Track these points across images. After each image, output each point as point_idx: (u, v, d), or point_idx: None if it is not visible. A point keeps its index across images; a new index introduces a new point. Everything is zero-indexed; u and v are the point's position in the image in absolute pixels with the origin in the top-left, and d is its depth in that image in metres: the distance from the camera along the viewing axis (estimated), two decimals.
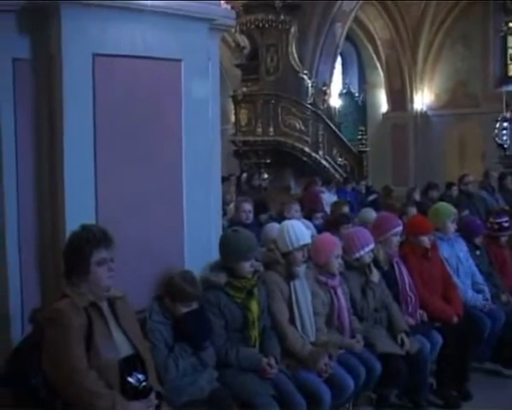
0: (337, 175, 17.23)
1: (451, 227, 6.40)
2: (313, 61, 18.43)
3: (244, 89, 18.46)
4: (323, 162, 17.51)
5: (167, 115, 4.76)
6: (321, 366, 4.65)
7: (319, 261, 5.17)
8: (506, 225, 6.93)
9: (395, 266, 5.80)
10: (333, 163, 17.76)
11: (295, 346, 4.74)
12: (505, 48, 19.43)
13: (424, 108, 21.92)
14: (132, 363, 3.55)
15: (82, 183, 4.21)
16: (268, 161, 17.57)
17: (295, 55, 18.03)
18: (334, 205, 8.82)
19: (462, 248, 6.48)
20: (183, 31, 4.70)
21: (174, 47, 4.74)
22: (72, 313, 3.40)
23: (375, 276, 5.47)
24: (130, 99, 4.49)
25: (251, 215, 7.63)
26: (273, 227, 6.06)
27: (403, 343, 5.33)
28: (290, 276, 4.86)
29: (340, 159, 17.98)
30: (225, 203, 8.82)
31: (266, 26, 17.85)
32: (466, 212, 9.53)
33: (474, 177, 11.01)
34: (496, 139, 14.98)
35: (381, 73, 22.45)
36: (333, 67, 19.10)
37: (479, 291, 6.35)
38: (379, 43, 21.78)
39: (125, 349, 3.57)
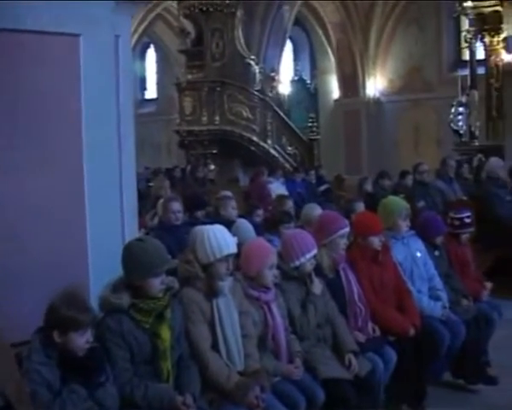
0: (287, 165, 16.63)
1: (403, 225, 5.58)
2: (260, 47, 17.85)
3: (189, 76, 17.74)
4: (272, 152, 16.97)
5: (64, 101, 4.09)
6: (251, 401, 3.81)
7: (250, 272, 4.33)
8: (468, 221, 6.15)
9: (341, 273, 4.99)
10: (282, 152, 17.26)
11: (219, 377, 3.89)
12: (458, 31, 18.87)
13: (377, 94, 21.36)
14: None
15: None
16: (214, 151, 16.99)
17: (242, 40, 17.38)
18: (277, 200, 7.94)
19: (418, 248, 5.66)
20: (82, 1, 4.03)
21: (70, 20, 4.03)
22: None
23: (317, 287, 4.65)
24: (16, 81, 3.85)
25: (180, 215, 6.78)
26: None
27: (351, 365, 4.53)
28: (212, 292, 4.00)
29: (289, 148, 17.48)
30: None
31: (211, 9, 17.15)
32: (422, 203, 8.89)
33: (430, 165, 10.26)
34: (451, 125, 14.33)
35: (332, 59, 21.81)
36: (281, 53, 18.52)
37: (437, 298, 5.56)
38: (329, 27, 21.13)
39: None
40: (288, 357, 4.35)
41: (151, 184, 12.82)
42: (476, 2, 13.75)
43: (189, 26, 18.56)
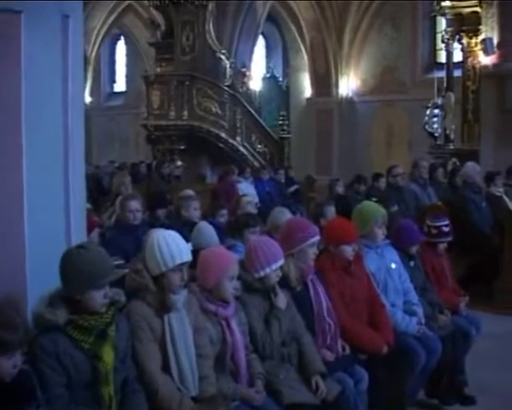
0: (256, 163, 16.24)
1: (379, 233, 5.15)
2: (232, 41, 17.41)
3: (158, 69, 17.31)
4: (241, 149, 16.60)
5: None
6: None
7: (207, 284, 3.87)
8: (446, 229, 5.74)
9: (309, 285, 4.54)
10: (251, 150, 16.91)
11: (170, 403, 3.42)
12: (434, 32, 18.56)
13: (350, 94, 20.95)
14: None
15: None
16: (182, 147, 16.59)
17: (213, 34, 16.94)
18: (235, 201, 7.37)
19: (393, 258, 5.23)
20: None
21: None
22: None
23: (282, 300, 4.19)
24: None
25: (139, 215, 6.31)
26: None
27: (318, 388, 4.09)
28: (164, 307, 3.53)
29: (259, 146, 17.13)
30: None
31: (182, 1, 16.65)
32: (395, 208, 8.50)
33: (402, 167, 9.90)
34: (426, 127, 13.98)
35: (305, 56, 21.39)
36: (253, 48, 18.11)
37: (412, 313, 5.13)
38: (303, 24, 20.66)
39: None
40: (249, 379, 3.90)
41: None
42: (455, 2, 13.42)
43: (159, 18, 18.11)
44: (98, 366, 3.19)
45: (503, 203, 9.29)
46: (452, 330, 5.38)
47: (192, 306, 3.71)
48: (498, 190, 9.41)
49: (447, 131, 14.02)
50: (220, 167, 15.59)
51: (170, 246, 3.55)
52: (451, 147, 14.00)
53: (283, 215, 5.53)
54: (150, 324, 3.51)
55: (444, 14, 13.90)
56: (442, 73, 15.35)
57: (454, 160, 13.33)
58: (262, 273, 4.14)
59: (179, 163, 16.16)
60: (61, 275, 3.23)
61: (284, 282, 4.33)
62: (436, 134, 14.02)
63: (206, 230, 5.44)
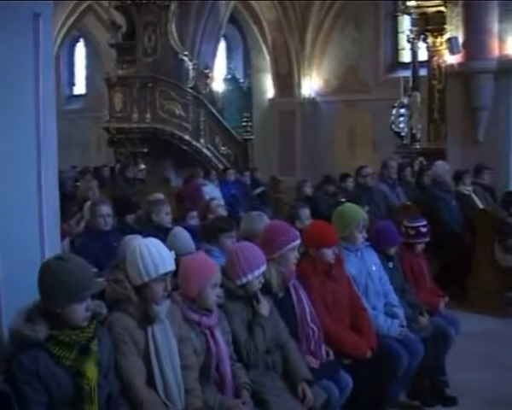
0: (220, 165, 16.12)
1: (360, 237, 5.06)
2: (195, 42, 17.26)
3: (119, 71, 17.06)
4: (205, 151, 16.48)
5: None
6: None
7: (189, 293, 3.73)
8: (424, 230, 5.69)
9: (292, 290, 4.43)
10: (215, 152, 16.80)
11: None
12: (396, 32, 18.61)
13: (312, 94, 20.90)
14: None
15: None
16: (145, 150, 16.40)
17: (175, 35, 16.73)
18: (207, 205, 7.21)
19: (373, 261, 5.16)
20: None
21: None
22: None
23: (265, 307, 4.07)
24: None
25: (110, 220, 6.14)
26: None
27: (305, 396, 3.97)
28: (147, 318, 3.39)
29: (223, 148, 16.99)
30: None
31: (144, 1, 16.44)
32: (366, 208, 8.42)
33: (373, 168, 9.87)
34: (392, 127, 13.96)
35: (268, 57, 21.31)
36: (216, 49, 17.95)
37: (393, 315, 5.06)
38: (265, 24, 20.59)
39: None
40: (235, 390, 3.77)
41: (78, 183, 12.06)
42: (420, 2, 13.43)
43: (120, 18, 17.85)
44: (82, 384, 3.02)
45: (471, 202, 9.30)
46: (432, 331, 5.33)
47: (175, 316, 3.58)
48: (467, 188, 9.41)
49: (413, 131, 14.01)
50: (184, 170, 15.47)
51: (152, 255, 3.40)
52: (418, 146, 14.00)
53: (261, 219, 5.39)
54: (133, 336, 3.36)
55: (409, 14, 13.90)
56: (405, 73, 15.38)
57: (421, 159, 13.34)
58: (244, 280, 4.03)
59: (142, 166, 16.00)
60: (40, 288, 3.06)
61: (266, 288, 4.22)
62: (402, 134, 14.01)
63: (182, 235, 5.28)
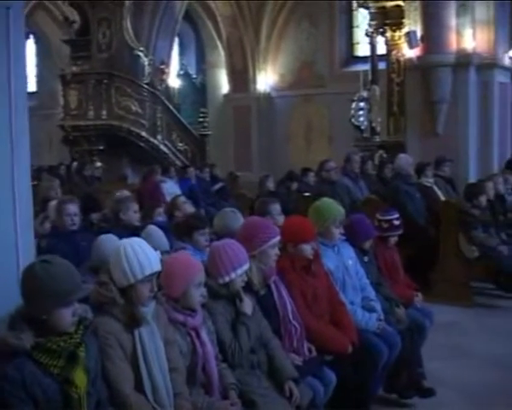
0: (178, 162, 15.96)
1: (336, 233, 5.02)
2: (150, 38, 17.10)
3: (74, 68, 16.76)
4: (162, 148, 16.36)
5: None
6: None
7: (173, 293, 3.64)
8: (397, 223, 5.70)
9: (273, 287, 4.37)
10: (173, 149, 16.68)
11: None
12: (351, 26, 18.69)
13: (268, 89, 20.91)
14: None
15: None
16: (101, 147, 16.19)
17: (130, 31, 16.56)
18: (174, 202, 7.09)
19: (350, 255, 5.13)
20: None
21: None
22: None
23: (248, 305, 4.00)
24: None
25: (77, 219, 6.01)
26: (111, 241, 4.54)
27: (292, 395, 3.92)
28: (133, 321, 3.29)
29: (180, 144, 16.86)
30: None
31: None
32: None
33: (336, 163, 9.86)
34: (352, 121, 14.02)
35: (222, 53, 21.19)
36: (172, 44, 17.83)
37: (370, 309, 5.03)
38: (220, 20, 20.49)
39: None
40: (222, 390, 3.70)
41: (35, 183, 11.81)
42: None
43: (73, 14, 17.57)
44: (70, 392, 2.90)
45: (433, 194, 9.37)
46: (408, 323, 5.33)
47: (161, 317, 3.48)
48: (429, 180, 9.48)
49: (373, 124, 14.10)
50: (141, 167, 15.26)
51: (138, 255, 3.30)
52: (378, 139, 14.10)
53: (234, 216, 5.30)
54: (119, 340, 3.25)
55: (367, 8, 13.95)
56: (362, 67, 15.46)
57: (381, 152, 13.43)
58: (227, 278, 3.96)
59: (99, 164, 15.77)
60: (24, 293, 2.93)
61: (247, 286, 4.15)
62: (362, 127, 14.09)
63: (156, 234, 5.17)
